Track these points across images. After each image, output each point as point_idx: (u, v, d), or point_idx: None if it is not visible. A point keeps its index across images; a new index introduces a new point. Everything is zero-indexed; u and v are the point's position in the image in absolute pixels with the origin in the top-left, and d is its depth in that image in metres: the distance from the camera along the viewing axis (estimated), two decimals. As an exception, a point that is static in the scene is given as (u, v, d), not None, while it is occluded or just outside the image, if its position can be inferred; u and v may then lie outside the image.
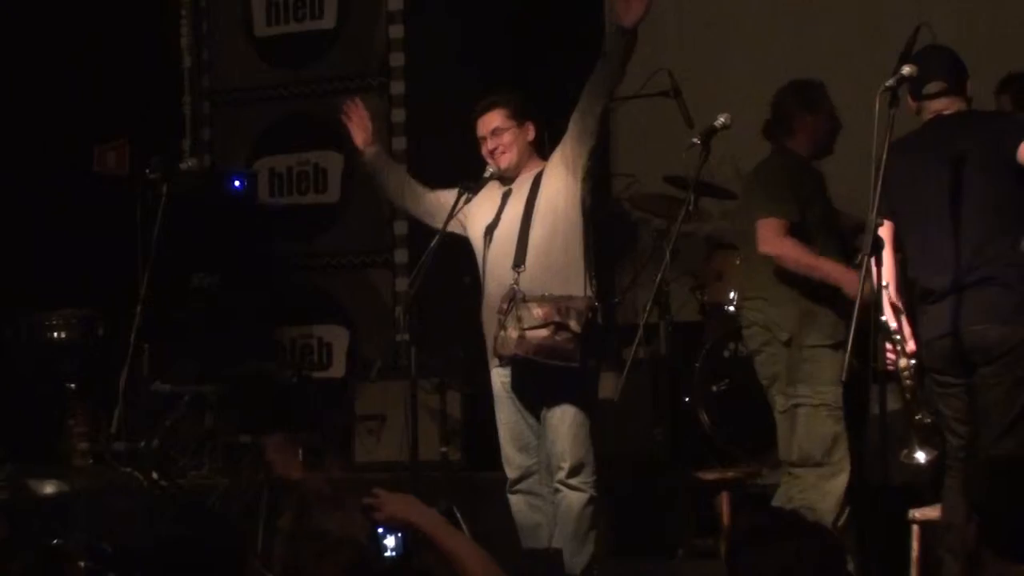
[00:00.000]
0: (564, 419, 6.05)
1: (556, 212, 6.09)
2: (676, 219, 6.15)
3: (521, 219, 6.13)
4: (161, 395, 7.75)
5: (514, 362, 6.06)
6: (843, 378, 5.11)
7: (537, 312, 5.95)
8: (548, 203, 6.10)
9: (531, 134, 6.26)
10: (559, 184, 6.12)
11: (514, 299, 5.98)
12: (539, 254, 6.07)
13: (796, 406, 6.11)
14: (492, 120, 6.26)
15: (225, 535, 3.75)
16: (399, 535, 3.59)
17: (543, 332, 5.92)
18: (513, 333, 5.96)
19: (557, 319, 5.92)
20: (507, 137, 6.24)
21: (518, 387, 6.17)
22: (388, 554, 3.58)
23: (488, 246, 6.26)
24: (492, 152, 6.25)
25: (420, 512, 3.63)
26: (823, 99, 6.43)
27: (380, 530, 3.61)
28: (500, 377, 6.23)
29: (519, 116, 6.25)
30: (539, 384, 6.10)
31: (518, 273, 6.06)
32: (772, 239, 6.10)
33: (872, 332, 5.14)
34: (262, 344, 8.74)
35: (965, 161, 5.50)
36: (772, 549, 3.34)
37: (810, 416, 6.09)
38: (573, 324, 5.92)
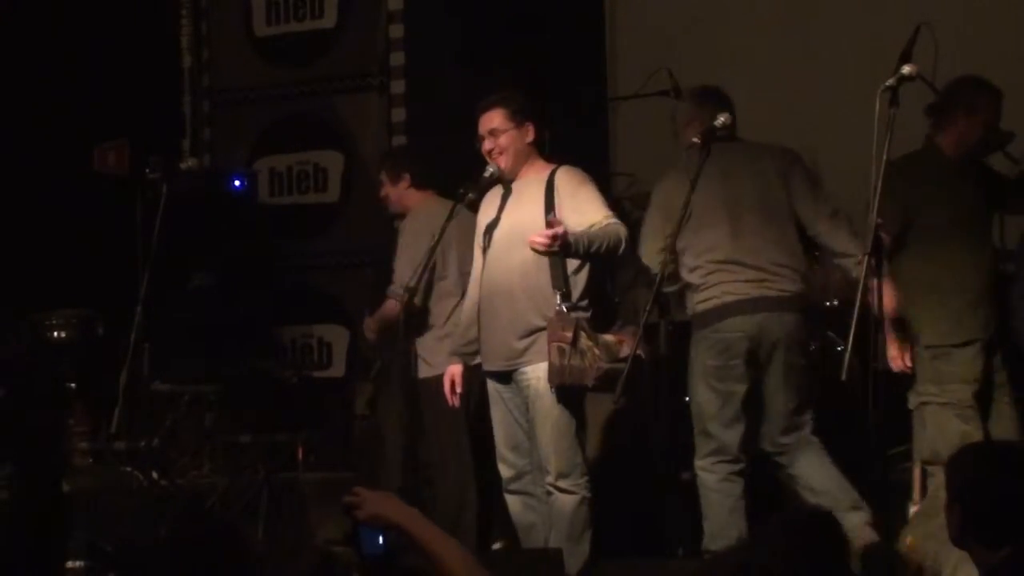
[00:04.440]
0: (547, 423, 6.05)
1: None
2: (677, 219, 6.16)
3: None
4: (161, 395, 7.75)
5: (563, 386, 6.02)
6: (843, 378, 5.12)
7: (617, 346, 5.94)
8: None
9: (530, 135, 6.23)
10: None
11: (577, 328, 5.93)
12: (573, 273, 6.08)
13: (924, 404, 6.08)
14: (491, 120, 6.24)
15: (232, 536, 3.74)
16: (381, 533, 3.58)
17: (624, 365, 5.89)
18: (583, 364, 5.90)
19: (639, 352, 5.93)
20: (504, 139, 6.21)
21: (508, 390, 6.19)
22: (370, 552, 3.57)
23: (487, 247, 6.25)
24: (489, 152, 6.24)
25: (400, 510, 3.63)
26: (986, 106, 6.27)
27: (360, 528, 3.60)
28: (491, 382, 6.24)
29: (518, 117, 6.22)
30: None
31: (560, 295, 6.02)
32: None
33: (872, 331, 5.15)
34: (262, 344, 8.73)
35: None
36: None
37: (937, 414, 6.05)
38: (643, 355, 5.94)
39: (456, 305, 6.88)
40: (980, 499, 3.90)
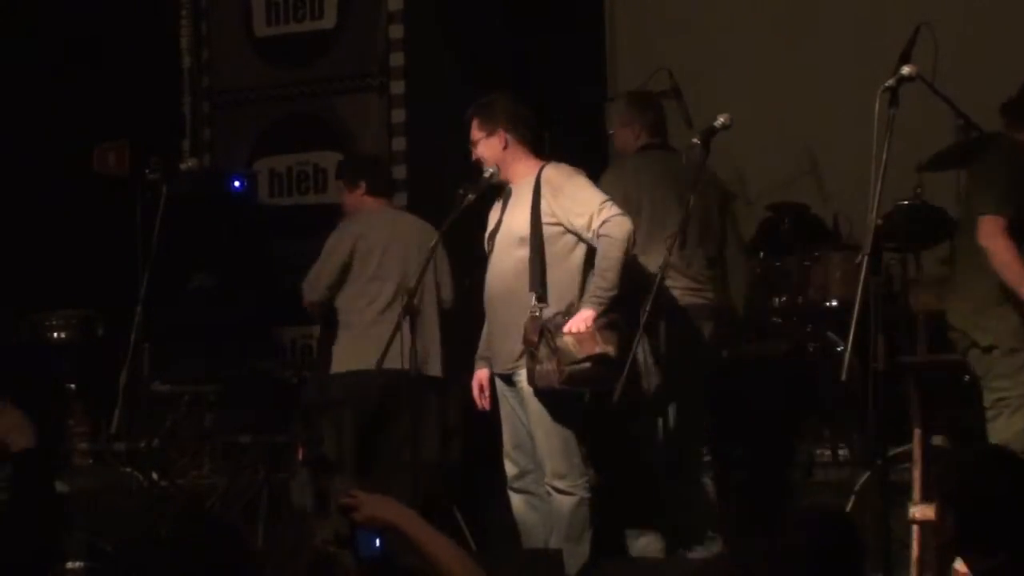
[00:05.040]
0: (539, 425, 6.06)
1: (559, 226, 6.10)
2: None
3: (531, 237, 6.09)
4: (161, 395, 7.75)
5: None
6: (843, 377, 5.12)
7: (577, 347, 5.91)
8: (548, 218, 6.09)
9: (502, 142, 6.23)
10: (549, 211, 6.13)
11: (543, 330, 5.94)
12: (555, 274, 6.07)
13: (999, 400, 6.00)
14: (471, 129, 6.30)
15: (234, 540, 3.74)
16: (377, 536, 3.59)
17: (587, 365, 5.89)
18: (550, 366, 5.90)
19: (599, 351, 5.91)
20: (480, 148, 6.26)
21: (511, 390, 6.20)
22: (367, 554, 3.58)
23: (491, 252, 6.27)
24: (477, 160, 6.30)
25: (398, 512, 3.63)
26: None
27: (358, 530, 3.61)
28: (499, 381, 6.25)
29: (489, 125, 6.24)
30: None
31: (535, 297, 6.02)
32: (991, 235, 5.93)
33: (872, 331, 5.14)
34: (262, 344, 8.73)
35: None
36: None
37: (1015, 408, 5.99)
38: (612, 351, 5.91)
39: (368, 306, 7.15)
40: (976, 503, 3.88)
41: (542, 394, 5.99)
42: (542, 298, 6.01)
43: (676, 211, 6.28)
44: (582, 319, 5.93)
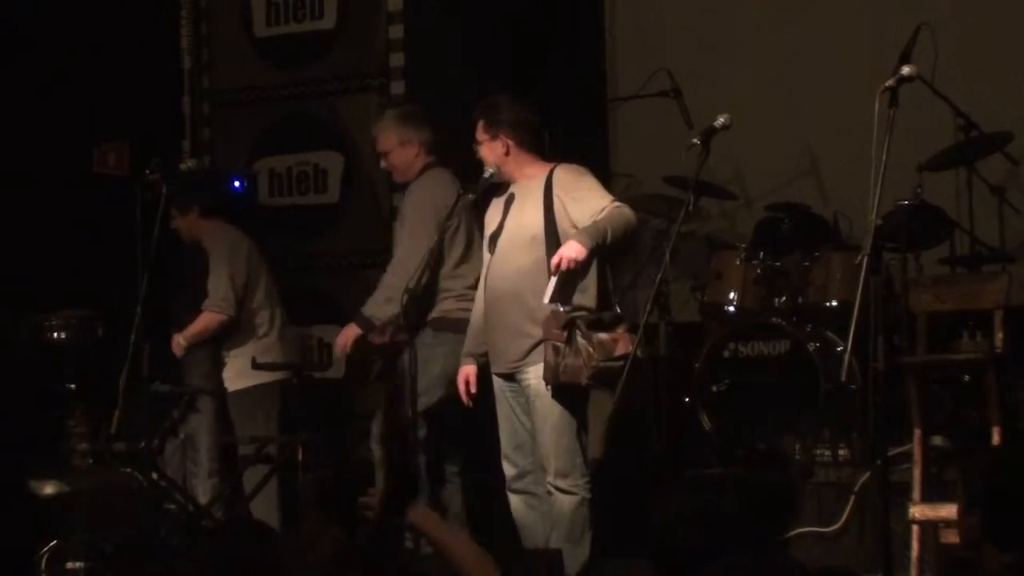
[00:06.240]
0: (546, 423, 6.07)
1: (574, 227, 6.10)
2: (676, 219, 6.18)
3: (545, 236, 6.09)
4: (161, 395, 7.74)
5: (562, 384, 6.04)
6: (843, 378, 5.13)
7: (611, 345, 5.94)
8: (561, 217, 6.10)
9: (503, 146, 6.24)
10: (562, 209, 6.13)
11: (572, 327, 5.95)
12: (569, 272, 6.06)
13: None
14: (476, 129, 6.32)
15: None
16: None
17: (619, 364, 5.92)
18: (577, 361, 5.92)
19: (630, 349, 5.93)
20: (483, 149, 6.29)
21: (512, 390, 6.19)
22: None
23: (492, 252, 6.26)
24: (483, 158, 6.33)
25: (416, 511, 3.65)
26: None
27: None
28: (498, 381, 6.25)
29: (492, 130, 6.25)
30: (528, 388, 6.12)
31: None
32: None
33: (872, 331, 5.15)
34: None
35: None
36: None
37: None
38: (639, 351, 5.95)
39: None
40: (1003, 501, 3.85)
41: (558, 391, 5.99)
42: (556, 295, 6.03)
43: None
44: (573, 251, 5.92)
